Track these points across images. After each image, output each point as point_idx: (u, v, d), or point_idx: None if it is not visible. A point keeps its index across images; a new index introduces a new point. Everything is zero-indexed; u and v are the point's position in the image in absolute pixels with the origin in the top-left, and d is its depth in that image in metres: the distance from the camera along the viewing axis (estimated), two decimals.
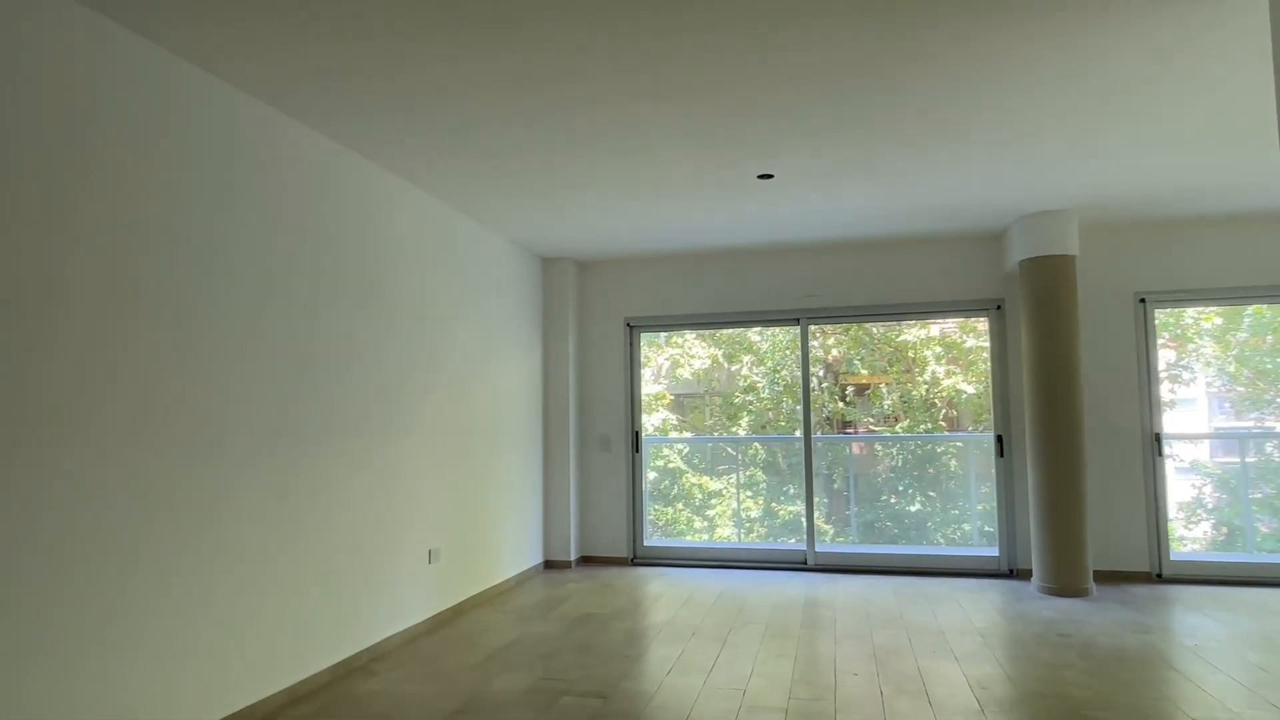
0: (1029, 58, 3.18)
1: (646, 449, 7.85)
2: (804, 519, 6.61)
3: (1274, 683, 3.62)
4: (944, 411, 11.39)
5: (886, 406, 11.93)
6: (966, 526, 7.65)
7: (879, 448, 9.97)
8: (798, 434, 7.19)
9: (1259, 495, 5.93)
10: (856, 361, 11.81)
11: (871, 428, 11.39)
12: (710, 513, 11.48)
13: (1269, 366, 6.14)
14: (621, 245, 6.32)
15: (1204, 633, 4.42)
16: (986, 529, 8.13)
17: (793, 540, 6.96)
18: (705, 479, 11.81)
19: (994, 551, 6.12)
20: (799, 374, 12.40)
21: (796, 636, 4.46)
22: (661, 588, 5.81)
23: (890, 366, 11.68)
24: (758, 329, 10.14)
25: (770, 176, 4.60)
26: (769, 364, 12.14)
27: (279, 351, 3.54)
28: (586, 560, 6.80)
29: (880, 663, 3.97)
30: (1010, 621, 4.71)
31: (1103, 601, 5.19)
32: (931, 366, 11.02)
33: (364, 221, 4.21)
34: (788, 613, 5.00)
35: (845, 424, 12.10)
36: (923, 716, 3.25)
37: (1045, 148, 4.21)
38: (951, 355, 11.07)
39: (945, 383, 10.81)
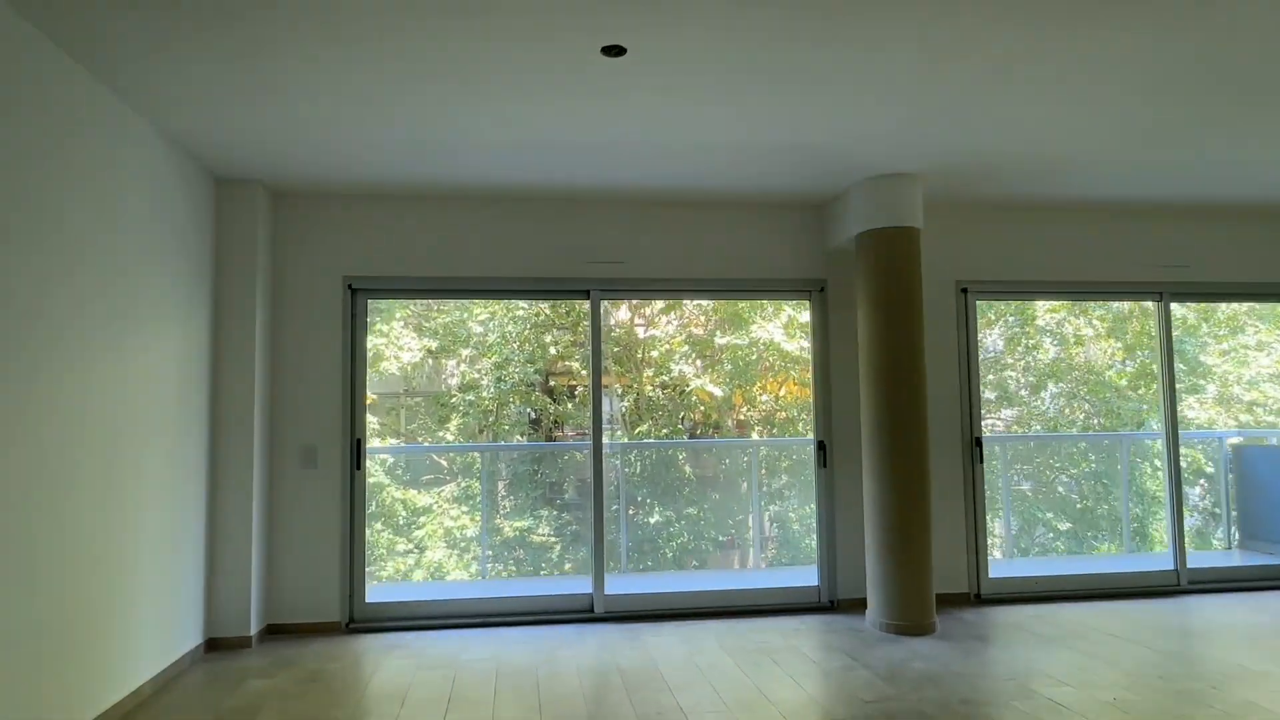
0: None
1: (369, 464, 5.89)
2: (590, 551, 5.07)
3: None
4: (684, 415, 10.64)
5: (621, 409, 10.88)
6: (753, 549, 6.73)
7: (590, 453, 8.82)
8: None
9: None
10: (609, 363, 10.52)
11: (584, 432, 10.20)
12: (418, 533, 9.54)
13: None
14: (350, 166, 4.30)
15: (1095, 676, 3.69)
16: (791, 550, 7.32)
17: (513, 556, 5.41)
18: (411, 493, 9.83)
19: (812, 579, 5.12)
20: (531, 371, 10.79)
21: None
22: (405, 671, 3.90)
23: (616, 365, 10.67)
24: (481, 308, 8.54)
25: (621, 52, 3.03)
26: (494, 358, 10.42)
27: None
28: (276, 631, 4.60)
29: None
30: (892, 682, 3.62)
31: (955, 639, 4.37)
32: (679, 366, 10.20)
33: None
34: (616, 704, 3.43)
35: (558, 425, 10.81)
36: None
37: (925, 83, 3.19)
38: (701, 353, 10.35)
39: (694, 383, 10.05)
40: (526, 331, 10.00)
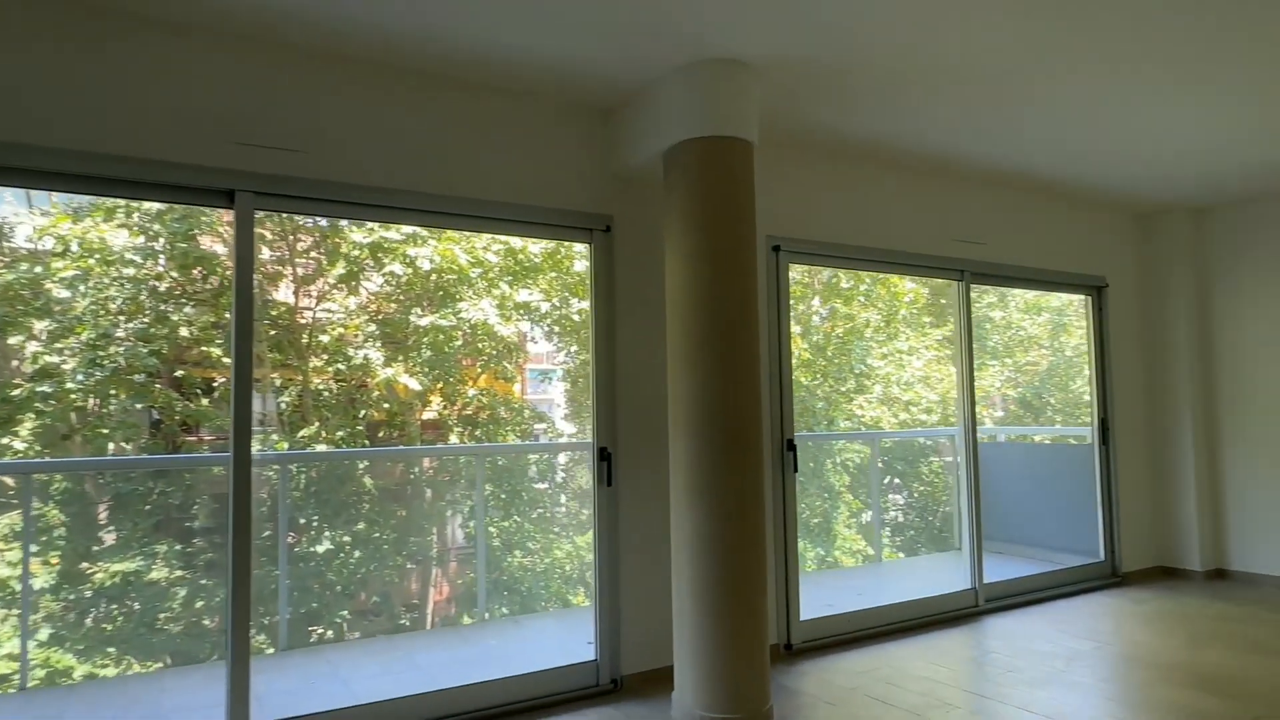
0: None
1: None
2: (227, 616, 2.93)
3: None
4: (365, 414, 8.51)
5: (279, 406, 8.46)
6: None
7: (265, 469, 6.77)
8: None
9: None
10: (262, 348, 8.24)
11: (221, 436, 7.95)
12: None
13: None
14: None
15: None
16: (510, 578, 5.74)
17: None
18: None
19: (586, 650, 3.50)
20: (145, 354, 8.00)
21: None
22: None
23: (274, 353, 8.26)
24: (64, 262, 6.52)
25: None
26: (85, 334, 7.62)
27: None
28: None
29: None
30: None
31: None
32: (364, 350, 8.03)
33: None
34: None
35: (188, 429, 8.35)
36: None
37: None
38: (391, 336, 8.24)
39: (384, 372, 7.93)
40: (143, 298, 7.16)
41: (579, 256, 8.19)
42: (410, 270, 7.64)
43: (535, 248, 7.92)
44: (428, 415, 8.83)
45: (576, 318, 8.24)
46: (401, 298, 8.01)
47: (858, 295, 10.99)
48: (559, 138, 3.54)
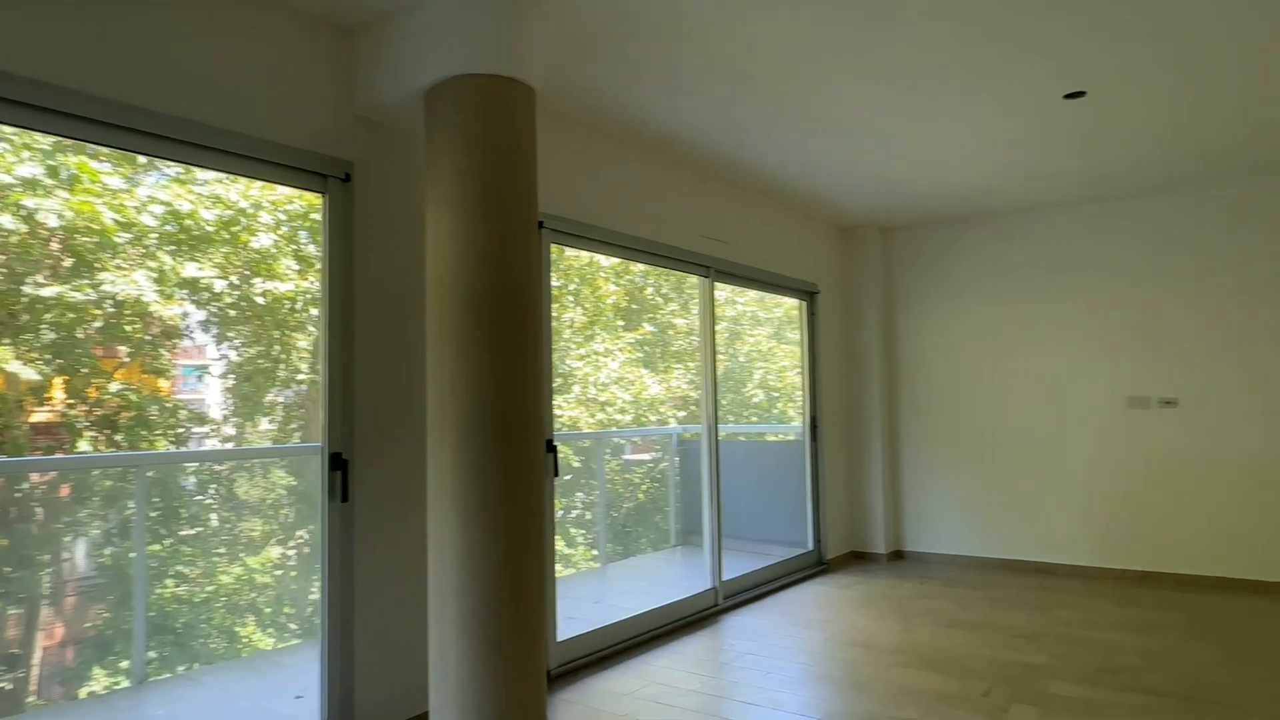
0: None
1: None
2: None
3: None
4: None
5: None
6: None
7: None
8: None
9: None
10: None
11: None
12: None
13: None
14: None
15: None
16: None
17: None
18: None
19: (308, 714, 2.72)
20: None
21: None
22: None
23: None
24: None
25: None
26: None
27: None
28: None
29: None
30: None
31: None
32: None
33: None
34: None
35: None
36: None
37: None
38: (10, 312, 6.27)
39: None
40: None
41: (265, 229, 6.97)
42: (26, 226, 5.87)
43: (209, 214, 6.56)
44: (42, 415, 6.92)
45: (261, 300, 6.99)
46: (10, 261, 6.13)
47: (566, 294, 10.88)
48: (287, 54, 2.74)
